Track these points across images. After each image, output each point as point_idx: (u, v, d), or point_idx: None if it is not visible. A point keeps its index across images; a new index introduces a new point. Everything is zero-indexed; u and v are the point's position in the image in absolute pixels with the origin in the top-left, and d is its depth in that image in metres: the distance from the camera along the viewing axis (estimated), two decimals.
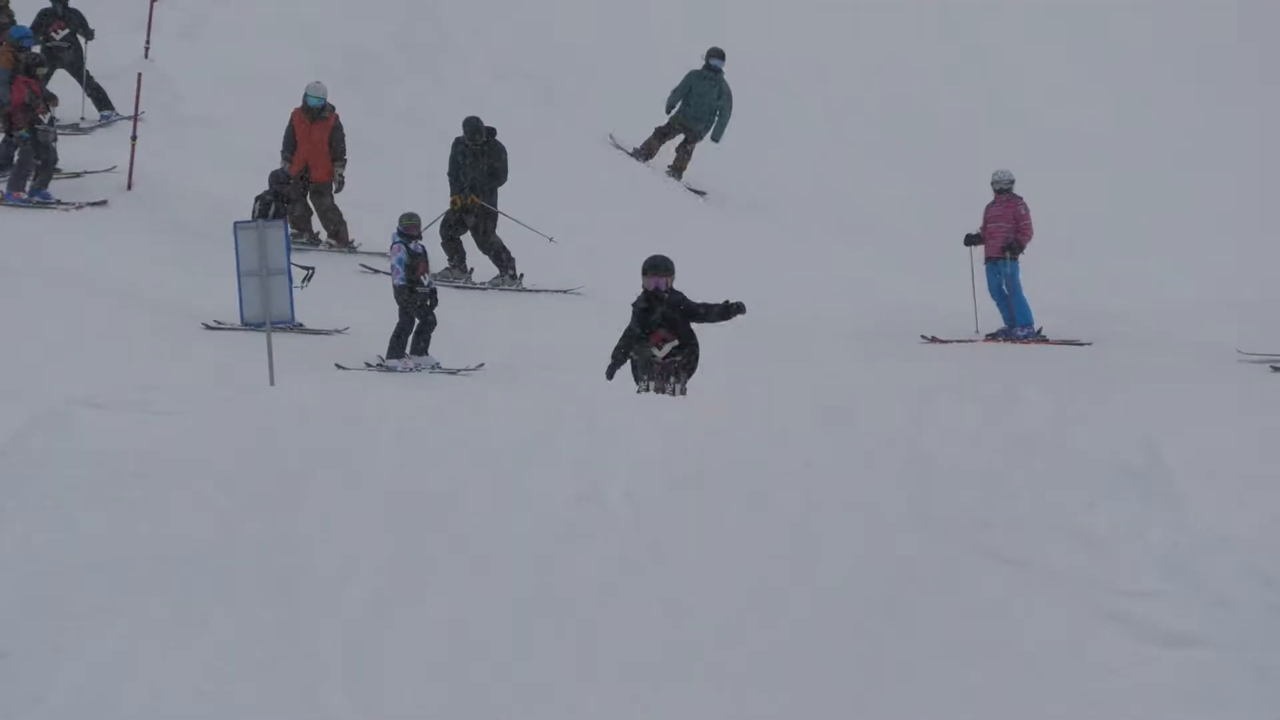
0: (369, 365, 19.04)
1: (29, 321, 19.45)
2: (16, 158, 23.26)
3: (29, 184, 23.35)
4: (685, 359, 14.17)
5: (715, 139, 26.58)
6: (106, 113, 25.84)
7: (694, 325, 14.87)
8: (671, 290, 14.02)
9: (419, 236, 19.51)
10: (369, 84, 28.19)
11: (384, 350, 19.27)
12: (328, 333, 19.72)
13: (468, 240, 22.84)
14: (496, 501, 15.23)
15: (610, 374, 14.36)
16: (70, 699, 12.87)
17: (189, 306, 20.48)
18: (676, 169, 26.71)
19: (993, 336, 20.99)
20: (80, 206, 23.46)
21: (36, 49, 25.25)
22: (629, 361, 14.38)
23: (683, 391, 14.64)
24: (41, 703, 12.80)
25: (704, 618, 13.87)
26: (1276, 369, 19.17)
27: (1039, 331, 20.77)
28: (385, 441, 16.16)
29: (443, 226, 22.20)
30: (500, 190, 22.61)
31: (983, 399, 17.47)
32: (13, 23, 26.12)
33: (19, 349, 18.44)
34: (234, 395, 17.33)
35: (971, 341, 21.61)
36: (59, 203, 23.35)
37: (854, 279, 23.99)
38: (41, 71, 23.86)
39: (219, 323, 19.48)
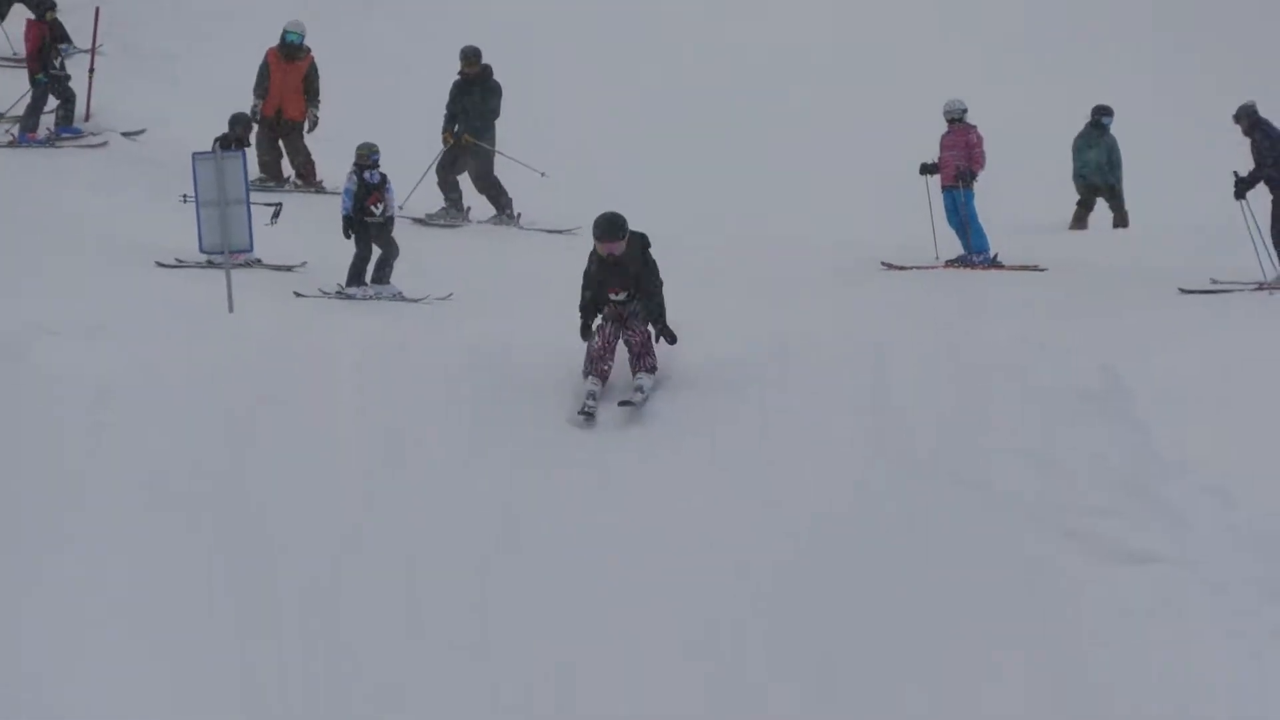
0: (325, 292, 18.57)
1: (22, 256, 18.94)
2: (30, 101, 23.32)
3: (54, 124, 23.42)
4: (637, 307, 14.06)
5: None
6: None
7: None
8: (629, 249, 13.89)
9: (373, 166, 19.14)
10: (332, 21, 28.42)
11: (343, 280, 18.79)
12: (287, 268, 19.64)
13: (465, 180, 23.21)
14: (460, 468, 15.19)
15: (584, 334, 14.27)
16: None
17: (146, 238, 19.82)
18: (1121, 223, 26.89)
19: (951, 263, 21.16)
20: (105, 142, 23.36)
21: None
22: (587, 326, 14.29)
23: (643, 392, 14.45)
24: None
25: (670, 547, 13.98)
26: (1215, 284, 20.36)
27: (995, 258, 21.04)
28: (347, 366, 16.19)
29: (438, 168, 22.08)
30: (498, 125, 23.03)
31: (942, 326, 17.74)
32: None
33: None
34: (192, 322, 16.94)
35: (931, 268, 21.80)
36: (92, 134, 23.26)
37: (818, 206, 23.89)
38: (51, 15, 24.26)
39: (179, 260, 19.10)
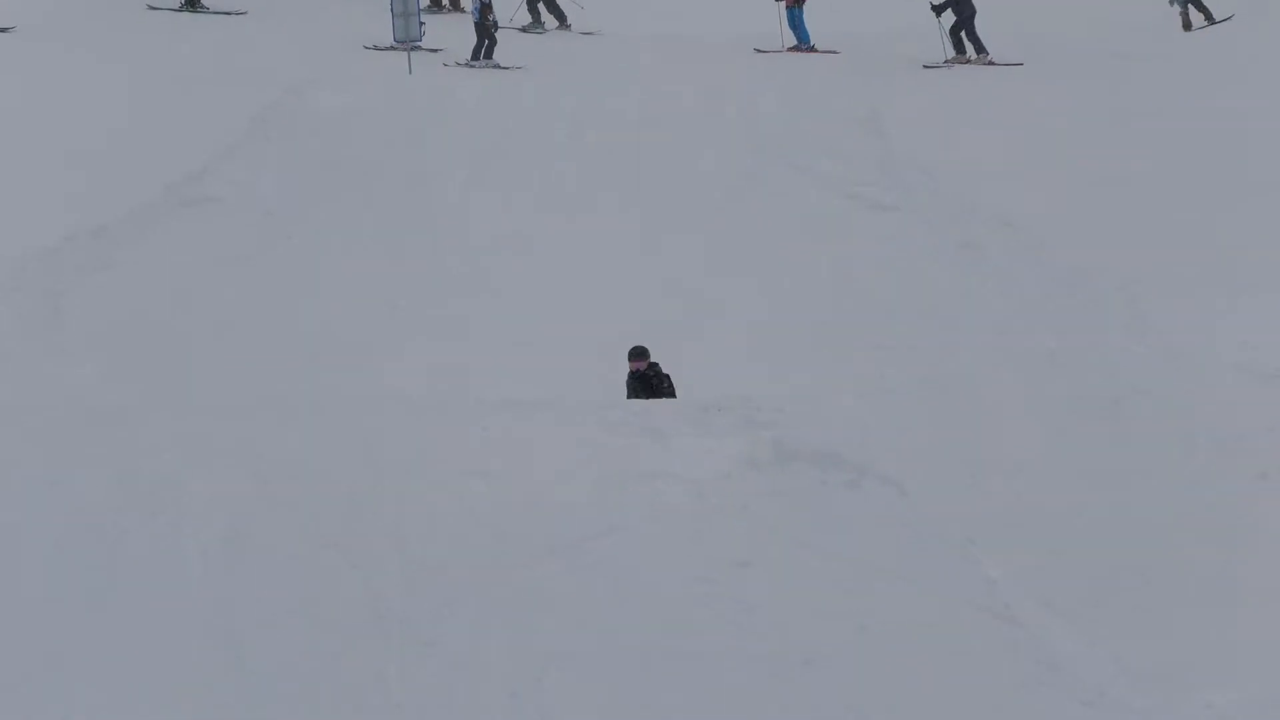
0: (459, 64, 26.16)
1: (281, 43, 25.93)
2: None
3: None
4: None
5: None
6: None
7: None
8: (650, 364, 14.52)
9: None
10: None
11: (468, 57, 26.46)
12: (435, 50, 26.21)
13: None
14: (529, 137, 21.59)
15: None
16: None
17: (362, 35, 26.95)
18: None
19: (791, 49, 27.20)
20: None
21: None
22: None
23: None
24: None
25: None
26: (926, 67, 26.25)
27: (812, 45, 27.06)
28: (471, 97, 23.43)
29: (527, 1, 29.03)
30: None
31: (782, 80, 24.44)
32: None
33: (277, 57, 24.97)
34: (391, 79, 24.12)
35: (779, 51, 27.19)
36: None
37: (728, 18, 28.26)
38: None
39: (377, 46, 26.35)
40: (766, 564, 10.29)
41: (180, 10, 26.95)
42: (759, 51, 27.12)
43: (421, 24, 25.99)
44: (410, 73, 24.50)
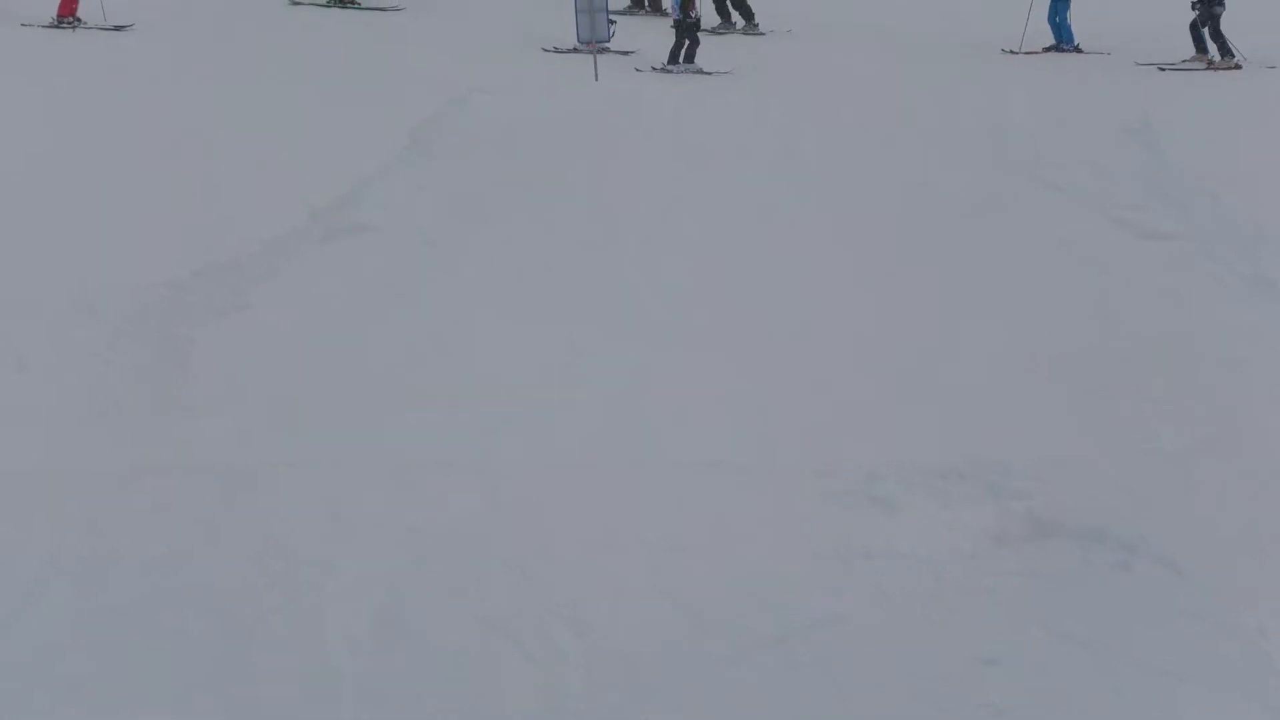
0: (653, 69, 26.54)
1: (444, 44, 26.73)
2: None
3: None
4: None
5: None
6: None
7: None
8: None
9: None
10: None
11: (664, 61, 26.94)
12: (626, 53, 26.94)
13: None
14: (735, 154, 21.70)
15: None
16: None
17: (539, 36, 27.91)
18: None
19: (1048, 49, 27.89)
20: None
21: None
22: None
23: None
24: None
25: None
26: (1162, 69, 26.69)
27: (1077, 46, 27.91)
28: (668, 106, 23.79)
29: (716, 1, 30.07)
30: None
31: (1039, 89, 24.51)
32: None
33: (439, 61, 25.65)
34: (573, 86, 24.47)
35: (1034, 53, 27.93)
36: None
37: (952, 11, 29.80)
38: None
39: (557, 48, 26.98)
40: (1018, 660, 10.14)
41: (328, 6, 27.75)
42: (1008, 53, 27.36)
43: (611, 22, 26.42)
44: (596, 79, 24.78)
